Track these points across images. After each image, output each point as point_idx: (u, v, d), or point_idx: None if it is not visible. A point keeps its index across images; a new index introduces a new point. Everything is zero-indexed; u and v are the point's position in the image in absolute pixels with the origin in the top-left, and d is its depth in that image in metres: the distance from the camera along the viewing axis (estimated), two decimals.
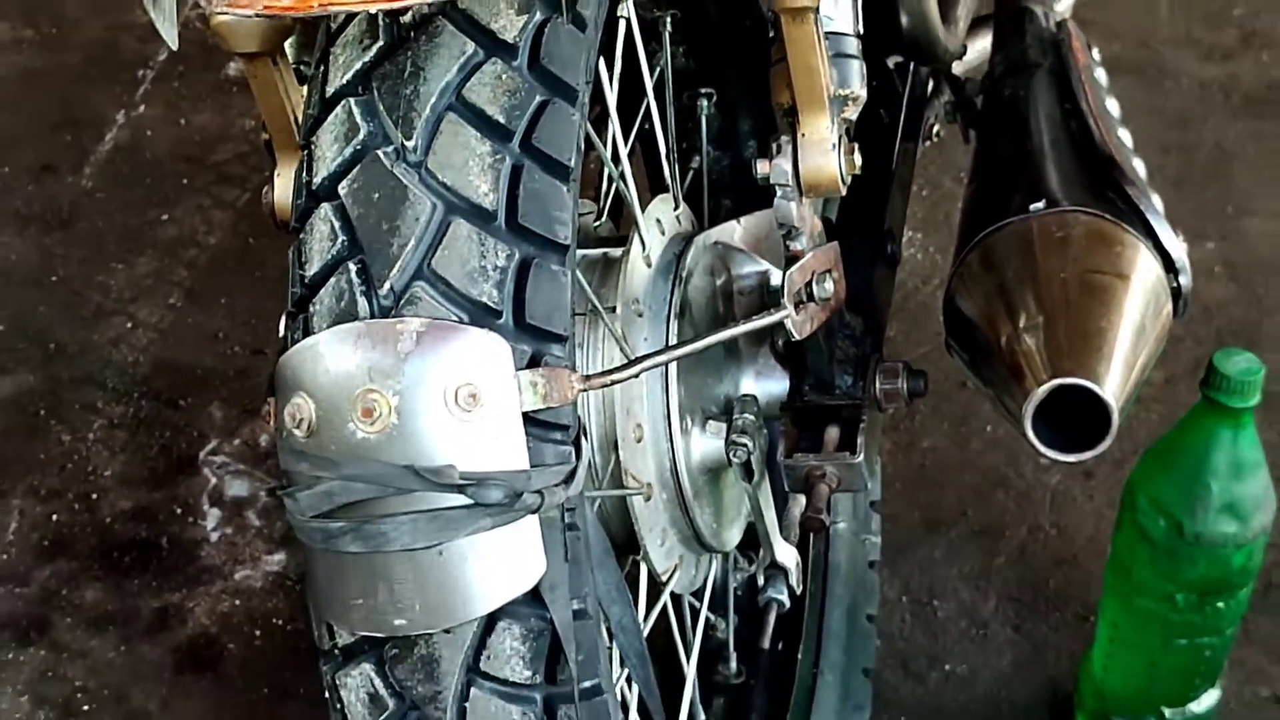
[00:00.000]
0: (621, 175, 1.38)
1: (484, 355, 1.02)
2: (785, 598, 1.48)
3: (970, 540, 2.24)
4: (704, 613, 1.65)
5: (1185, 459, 1.72)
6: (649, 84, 1.41)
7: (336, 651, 1.11)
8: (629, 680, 1.27)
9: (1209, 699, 1.91)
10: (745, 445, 1.41)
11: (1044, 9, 1.83)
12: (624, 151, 1.38)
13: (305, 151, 1.09)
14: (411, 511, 1.01)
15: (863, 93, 1.34)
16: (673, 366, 1.37)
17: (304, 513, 1.03)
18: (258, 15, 1.04)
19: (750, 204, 1.53)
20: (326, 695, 1.13)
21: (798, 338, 1.36)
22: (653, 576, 1.44)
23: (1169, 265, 1.48)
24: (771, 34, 1.33)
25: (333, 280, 1.05)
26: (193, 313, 2.67)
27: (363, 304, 1.03)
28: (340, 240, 1.05)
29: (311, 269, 1.06)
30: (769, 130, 1.62)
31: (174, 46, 1.05)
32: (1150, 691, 1.88)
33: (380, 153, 1.05)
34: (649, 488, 1.37)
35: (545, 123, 1.06)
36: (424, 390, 1.01)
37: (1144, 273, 1.44)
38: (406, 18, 1.06)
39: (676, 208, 1.49)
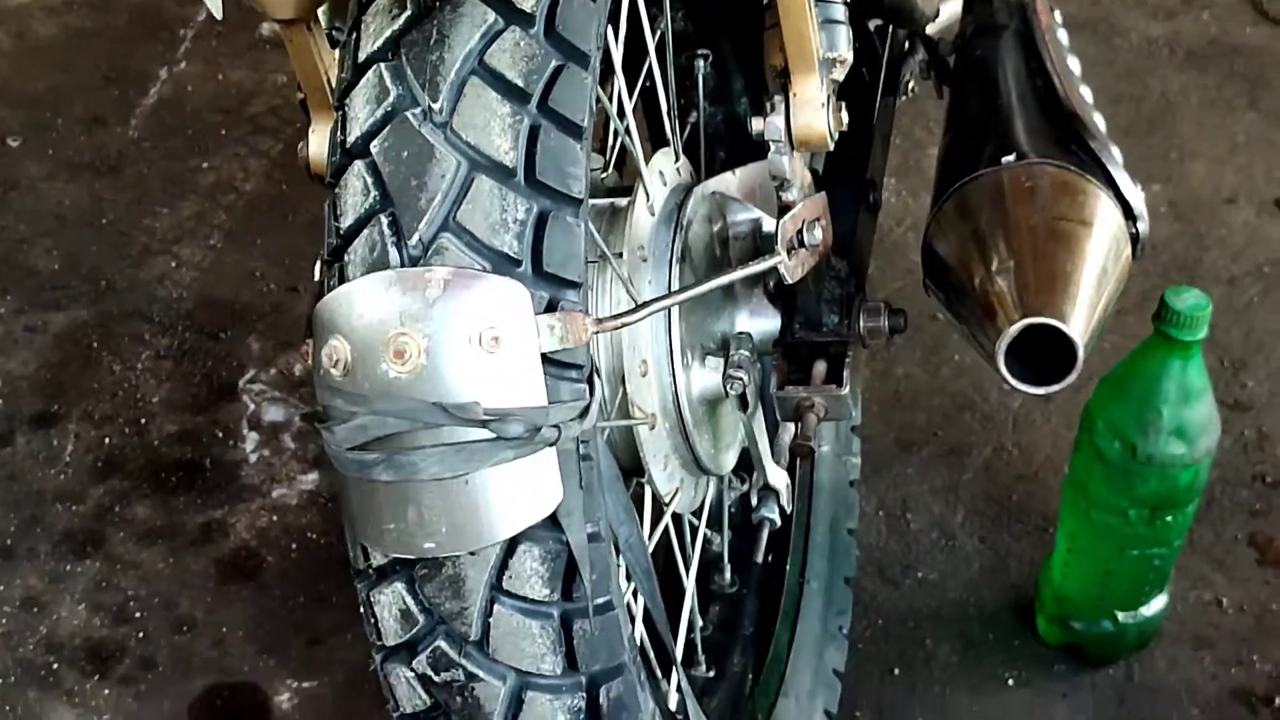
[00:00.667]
0: (627, 130, 1.36)
1: (505, 301, 1.01)
2: (776, 516, 1.47)
3: (940, 459, 2.23)
4: (702, 530, 1.65)
5: (1138, 386, 1.71)
6: (651, 46, 1.39)
7: (370, 571, 1.11)
8: (634, 593, 1.27)
9: (1158, 603, 1.91)
10: (741, 378, 1.41)
11: None
12: (629, 108, 1.37)
13: (339, 112, 1.08)
14: (440, 444, 1.01)
15: (849, 56, 1.33)
16: (675, 308, 1.36)
17: (340, 445, 1.03)
18: None
19: (744, 155, 1.52)
20: (361, 610, 1.13)
21: (789, 281, 1.35)
22: (656, 498, 1.44)
23: (1128, 212, 1.46)
24: (765, 1, 1.31)
25: (366, 232, 1.04)
26: (231, 252, 2.65)
27: (394, 254, 1.03)
28: (372, 195, 1.04)
29: (346, 221, 1.05)
30: (761, 88, 1.60)
31: (219, 16, 1.03)
32: (1105, 597, 1.88)
33: (409, 114, 1.03)
34: (653, 418, 1.36)
35: (560, 86, 1.05)
36: (451, 333, 1.00)
37: (1106, 220, 1.43)
38: None
39: (677, 160, 1.47)
